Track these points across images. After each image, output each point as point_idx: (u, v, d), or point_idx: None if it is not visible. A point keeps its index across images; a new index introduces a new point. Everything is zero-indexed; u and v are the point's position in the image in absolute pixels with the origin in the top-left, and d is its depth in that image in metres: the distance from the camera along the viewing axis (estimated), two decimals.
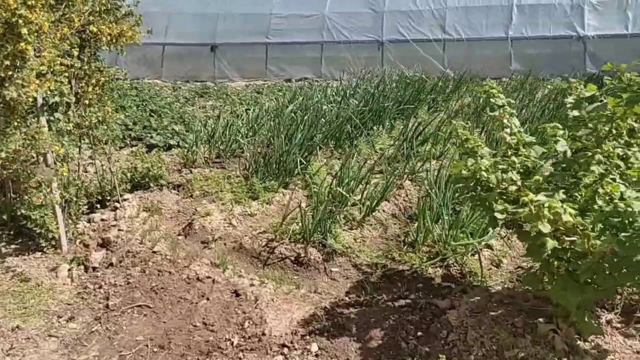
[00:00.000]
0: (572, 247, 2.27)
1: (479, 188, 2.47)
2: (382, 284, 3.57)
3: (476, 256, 3.67)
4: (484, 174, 2.39)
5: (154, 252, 3.89)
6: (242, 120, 6.63)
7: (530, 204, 2.00)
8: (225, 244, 4.28)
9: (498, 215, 2.47)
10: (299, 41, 12.01)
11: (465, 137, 2.96)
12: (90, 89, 4.15)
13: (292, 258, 3.89)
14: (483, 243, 3.70)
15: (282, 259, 3.92)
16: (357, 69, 11.55)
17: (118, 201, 4.73)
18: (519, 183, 2.42)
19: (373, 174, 5.16)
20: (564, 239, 2.28)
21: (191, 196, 5.23)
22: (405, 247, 3.90)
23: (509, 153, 2.60)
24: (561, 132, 2.70)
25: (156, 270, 3.60)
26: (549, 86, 9.65)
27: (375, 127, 6.49)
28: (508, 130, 2.59)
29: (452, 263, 3.60)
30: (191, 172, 5.67)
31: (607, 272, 2.25)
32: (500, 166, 2.47)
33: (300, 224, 4.12)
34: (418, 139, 5.81)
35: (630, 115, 2.33)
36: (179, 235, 4.47)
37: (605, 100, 2.40)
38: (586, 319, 2.47)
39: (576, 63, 10.57)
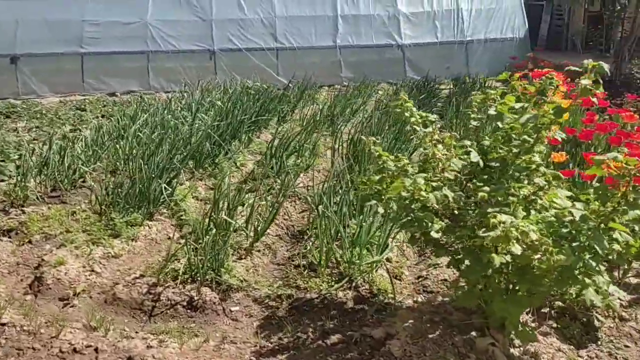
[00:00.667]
0: (513, 261, 2.27)
1: (415, 209, 2.35)
2: (292, 317, 3.27)
3: (379, 272, 3.58)
4: (423, 193, 2.27)
5: (2, 324, 3.05)
6: (79, 144, 5.71)
7: (498, 226, 1.92)
8: (91, 297, 3.56)
9: (434, 235, 2.38)
10: (120, 51, 10.95)
11: (378, 153, 2.83)
12: None
13: (184, 303, 3.38)
14: (384, 257, 3.63)
15: (171, 306, 3.38)
16: (190, 80, 10.99)
17: None
18: (452, 199, 2.35)
19: (244, 193, 4.81)
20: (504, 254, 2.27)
21: (29, 242, 4.31)
22: (305, 272, 3.65)
23: (438, 168, 2.52)
24: (467, 142, 2.72)
25: (15, 350, 2.81)
26: (379, 91, 10.24)
27: (233, 143, 6.11)
28: (440, 146, 2.51)
29: (360, 283, 3.45)
30: (23, 212, 4.69)
31: (545, 281, 2.29)
32: (433, 184, 2.38)
33: (187, 260, 3.61)
34: (284, 153, 5.60)
35: (554, 124, 2.42)
36: (26, 294, 3.62)
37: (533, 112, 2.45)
38: (521, 328, 2.51)
39: (398, 69, 11.43)
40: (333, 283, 3.48)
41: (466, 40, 11.55)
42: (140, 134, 6.00)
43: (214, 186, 5.42)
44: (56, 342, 2.88)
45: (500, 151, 2.50)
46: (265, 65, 11.30)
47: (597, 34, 13.08)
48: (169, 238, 4.46)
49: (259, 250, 4.07)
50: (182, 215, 4.69)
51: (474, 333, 2.64)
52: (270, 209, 4.24)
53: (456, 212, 2.43)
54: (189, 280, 3.53)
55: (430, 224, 2.31)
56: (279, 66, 11.41)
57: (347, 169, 4.93)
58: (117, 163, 5.70)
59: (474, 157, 2.59)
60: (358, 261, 3.51)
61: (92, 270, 3.81)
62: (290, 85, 10.47)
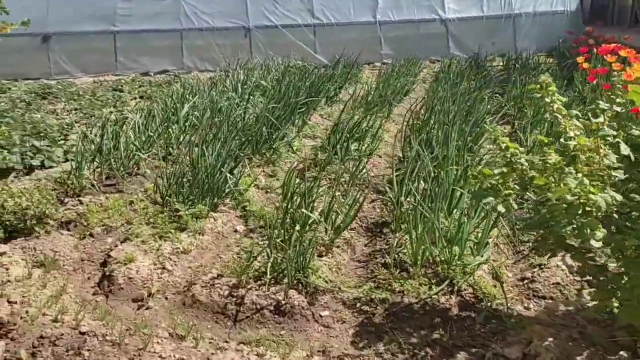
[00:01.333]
0: None
1: (578, 215, 2.00)
2: (390, 325, 2.97)
3: (478, 273, 3.25)
4: (592, 196, 1.93)
5: (82, 332, 2.79)
6: (130, 128, 5.41)
7: None
8: (167, 299, 3.30)
9: (594, 244, 2.03)
10: (153, 28, 10.59)
11: (505, 145, 2.47)
12: None
13: (271, 307, 3.09)
14: (486, 258, 3.29)
15: (257, 310, 3.10)
16: (225, 58, 10.64)
17: None
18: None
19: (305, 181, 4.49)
20: None
21: (91, 235, 4.06)
22: (397, 272, 3.34)
23: (582, 164, 2.16)
24: (611, 131, 2.34)
25: None
26: (424, 69, 9.77)
27: (287, 126, 5.77)
28: (584, 137, 2.15)
29: (463, 287, 3.13)
30: (80, 203, 4.43)
31: None
32: (593, 183, 2.03)
33: (269, 259, 3.32)
34: (348, 137, 5.25)
35: None
36: (95, 294, 3.37)
37: None
38: None
39: (440, 45, 10.93)
40: (432, 286, 3.16)
41: (514, 14, 10.96)
42: (191, 116, 5.69)
43: (272, 173, 5.12)
44: (145, 356, 2.61)
45: None
46: (303, 43, 10.88)
47: None
48: (236, 231, 4.18)
49: (338, 247, 3.77)
50: (246, 206, 4.40)
51: (623, 353, 2.31)
52: (351, 202, 3.90)
53: (615, 215, 2.08)
54: (272, 282, 3.24)
55: (592, 231, 1.97)
56: (317, 43, 10.98)
57: (415, 156, 4.56)
58: (170, 148, 5.41)
59: (624, 149, 2.23)
60: (459, 262, 3.18)
61: (164, 268, 3.54)
62: (329, 63, 10.09)
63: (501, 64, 9.88)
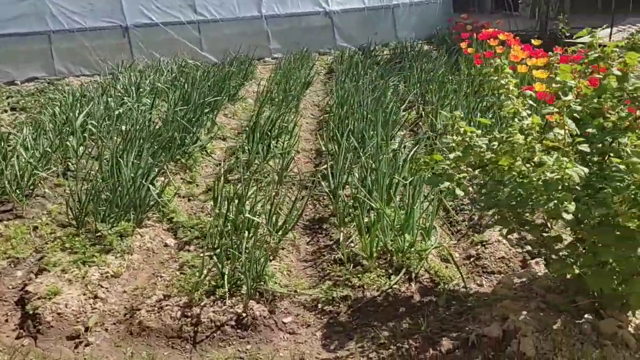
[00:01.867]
0: None
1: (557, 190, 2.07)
2: (360, 322, 2.92)
3: (429, 257, 3.32)
4: (569, 171, 2.00)
5: None
6: (18, 143, 4.76)
7: None
8: (107, 331, 2.96)
9: (566, 216, 2.14)
10: (14, 32, 9.49)
11: (463, 129, 2.53)
12: None
13: (232, 322, 2.89)
14: (435, 242, 3.37)
15: (216, 327, 2.88)
16: (103, 61, 9.87)
17: None
18: None
19: (227, 183, 4.30)
20: None
21: None
22: (351, 267, 3.29)
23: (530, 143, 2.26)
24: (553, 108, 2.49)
25: None
26: (316, 62, 9.82)
27: (198, 129, 5.47)
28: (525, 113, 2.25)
29: (420, 273, 3.17)
30: None
31: None
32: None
33: (218, 271, 3.09)
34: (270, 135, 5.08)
35: None
36: (19, 337, 2.93)
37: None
38: None
39: (327, 37, 11.07)
40: (390, 276, 3.16)
41: (392, 5, 11.40)
42: (89, 126, 5.17)
43: (191, 179, 4.83)
44: None
45: (610, 116, 2.29)
46: (187, 41, 10.39)
47: None
48: (166, 245, 3.87)
49: (283, 248, 3.63)
50: (173, 217, 4.09)
51: (588, 316, 2.47)
52: (291, 201, 3.77)
53: (578, 188, 2.21)
54: (226, 295, 3.03)
55: (565, 205, 2.06)
56: (202, 40, 10.56)
57: (342, 148, 4.55)
58: (69, 163, 4.87)
59: (571, 124, 2.37)
60: (412, 249, 3.21)
61: (96, 297, 3.17)
62: (217, 61, 9.77)
63: (386, 53, 10.23)
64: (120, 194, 3.82)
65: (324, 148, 5.16)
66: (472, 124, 4.58)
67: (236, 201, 3.64)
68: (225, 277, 3.05)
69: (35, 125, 5.25)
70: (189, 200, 4.51)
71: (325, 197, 4.28)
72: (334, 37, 11.13)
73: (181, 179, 4.77)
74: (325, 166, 4.53)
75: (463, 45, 7.78)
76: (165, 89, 6.69)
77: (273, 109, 5.79)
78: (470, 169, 2.65)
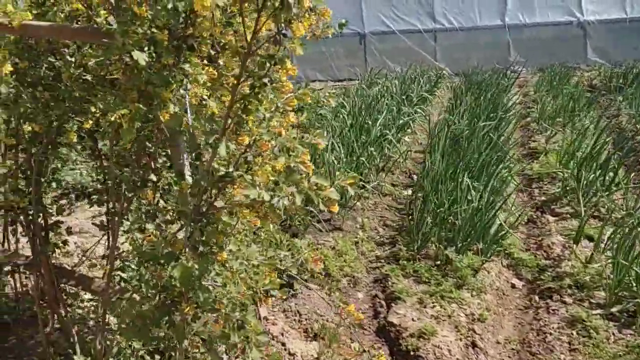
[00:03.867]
0: None
1: None
2: None
3: None
4: None
5: None
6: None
7: None
8: None
9: None
10: None
11: None
12: None
13: None
14: None
15: None
16: (336, 67, 9.96)
17: None
18: None
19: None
20: None
21: (338, 289, 3.25)
22: None
23: None
24: None
25: None
26: (575, 77, 8.71)
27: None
28: None
29: None
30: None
31: None
32: None
33: None
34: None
35: None
36: None
37: None
38: None
39: (576, 50, 9.89)
40: None
41: None
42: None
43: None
44: None
45: None
46: (422, 49, 10.03)
47: None
48: (514, 286, 3.31)
49: None
50: (511, 252, 3.53)
51: None
52: None
53: None
54: None
55: None
56: (437, 49, 10.11)
57: None
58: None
59: None
60: None
61: (475, 345, 2.69)
62: (450, 71, 9.30)
63: None
64: (465, 221, 3.34)
65: None
66: None
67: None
68: None
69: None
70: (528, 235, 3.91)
71: None
72: (584, 50, 9.92)
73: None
74: None
75: None
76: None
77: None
78: None
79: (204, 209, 1.45)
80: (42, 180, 2.06)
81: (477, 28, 9.97)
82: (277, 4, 1.22)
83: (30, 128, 1.91)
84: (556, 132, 5.47)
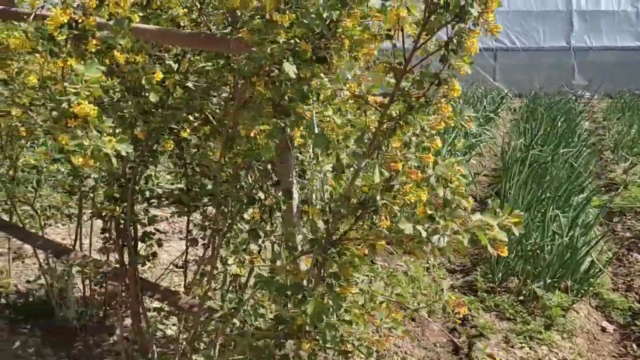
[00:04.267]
0: None
1: None
2: None
3: None
4: None
5: None
6: None
7: None
8: None
9: None
10: None
11: None
12: None
13: None
14: None
15: None
16: None
17: None
18: None
19: None
20: None
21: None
22: None
23: None
24: None
25: None
26: None
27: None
28: None
29: None
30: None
31: None
32: None
33: None
34: None
35: None
36: None
37: None
38: None
39: None
40: None
41: None
42: None
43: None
44: None
45: None
46: (480, 68, 9.77)
47: None
48: (604, 330, 3.06)
49: None
50: (600, 293, 3.28)
51: None
52: None
53: None
54: None
55: None
56: (496, 69, 9.85)
57: None
58: None
59: None
60: None
61: None
62: (506, 91, 8.97)
63: None
64: (555, 256, 3.12)
65: None
66: None
67: None
68: None
69: None
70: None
71: None
72: None
73: None
74: None
75: None
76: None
77: None
78: None
79: (335, 238, 1.32)
80: (137, 188, 1.98)
81: (540, 49, 9.67)
82: (456, 12, 1.08)
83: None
84: (636, 163, 5.16)
